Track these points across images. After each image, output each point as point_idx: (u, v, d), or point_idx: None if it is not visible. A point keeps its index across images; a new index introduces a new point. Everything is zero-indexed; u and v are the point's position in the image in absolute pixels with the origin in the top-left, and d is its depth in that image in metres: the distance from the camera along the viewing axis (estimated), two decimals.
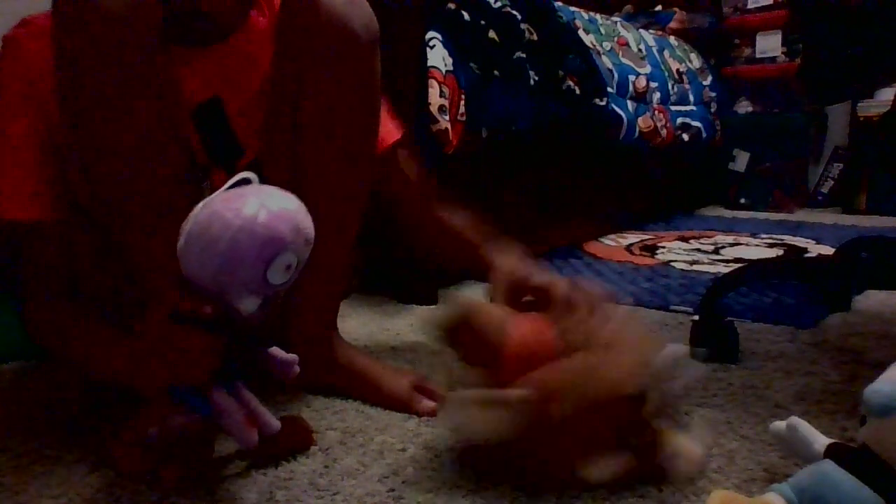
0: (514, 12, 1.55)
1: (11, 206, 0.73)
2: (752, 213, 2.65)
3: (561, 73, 1.70)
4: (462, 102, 1.36)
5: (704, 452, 0.64)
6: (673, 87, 2.34)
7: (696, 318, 0.99)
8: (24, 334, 0.78)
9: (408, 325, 1.17)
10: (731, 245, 1.91)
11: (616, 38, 2.17)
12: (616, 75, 2.00)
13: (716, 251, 1.82)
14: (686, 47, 2.65)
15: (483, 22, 1.46)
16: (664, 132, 2.20)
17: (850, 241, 1.20)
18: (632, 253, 1.83)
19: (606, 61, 1.98)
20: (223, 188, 0.58)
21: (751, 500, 0.54)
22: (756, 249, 1.84)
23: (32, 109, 0.72)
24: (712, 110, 2.61)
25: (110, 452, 0.65)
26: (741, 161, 2.78)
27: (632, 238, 2.04)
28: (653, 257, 1.76)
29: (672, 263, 1.67)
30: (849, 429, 0.71)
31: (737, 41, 2.80)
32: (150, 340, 0.61)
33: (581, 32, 1.96)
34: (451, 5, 1.40)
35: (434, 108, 1.28)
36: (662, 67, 2.33)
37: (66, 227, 0.75)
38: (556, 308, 0.69)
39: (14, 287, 0.80)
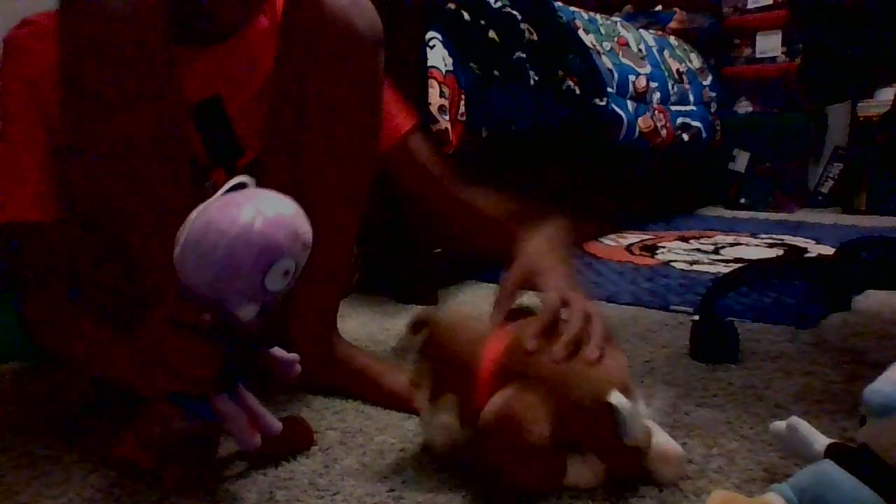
0: (514, 12, 1.55)
1: (13, 208, 0.73)
2: (752, 213, 2.65)
3: (561, 73, 1.70)
4: (462, 102, 1.36)
5: (682, 451, 0.63)
6: (673, 87, 2.34)
7: (696, 318, 0.99)
8: (24, 334, 0.78)
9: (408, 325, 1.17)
10: (731, 245, 1.91)
11: (616, 38, 2.17)
12: (616, 75, 2.00)
13: (716, 251, 1.82)
14: (686, 47, 2.65)
15: (483, 22, 1.46)
16: (664, 132, 2.20)
17: (850, 241, 1.21)
18: (632, 253, 1.83)
19: (606, 61, 1.98)
20: (218, 193, 0.58)
21: (751, 500, 0.54)
22: (756, 249, 1.84)
23: (34, 110, 0.72)
24: (712, 110, 2.61)
25: (112, 453, 0.65)
26: (741, 161, 2.78)
27: (632, 238, 2.04)
28: (653, 257, 1.76)
29: (672, 263, 1.67)
30: (849, 429, 0.71)
31: (737, 41, 2.80)
32: (149, 347, 0.61)
33: (581, 32, 1.96)
34: (451, 5, 1.40)
35: (434, 108, 1.29)
36: (662, 67, 2.33)
37: (66, 228, 0.75)
38: (533, 323, 0.66)
39: (14, 287, 0.79)
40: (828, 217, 2.46)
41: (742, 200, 2.77)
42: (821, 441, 0.56)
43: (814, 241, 1.91)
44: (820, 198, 2.79)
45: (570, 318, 0.66)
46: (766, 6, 2.71)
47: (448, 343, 0.65)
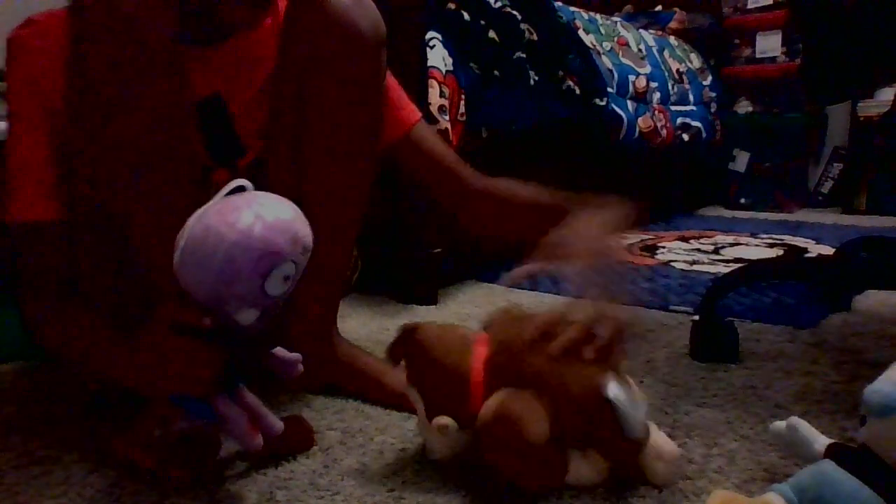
0: (514, 12, 1.55)
1: (17, 208, 0.73)
2: (752, 213, 2.65)
3: (561, 73, 1.70)
4: (462, 102, 1.36)
5: (678, 450, 0.63)
6: (673, 87, 2.34)
7: (696, 318, 0.99)
8: (24, 334, 0.78)
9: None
10: (731, 245, 1.91)
11: (616, 38, 2.17)
12: (616, 75, 2.00)
13: (716, 251, 1.82)
14: (686, 47, 2.65)
15: (483, 22, 1.46)
16: (664, 132, 2.20)
17: (850, 241, 1.21)
18: (632, 253, 1.83)
19: (606, 61, 1.98)
20: (217, 197, 0.57)
21: (751, 500, 0.54)
22: (756, 249, 1.84)
23: (38, 109, 0.72)
24: (712, 110, 2.61)
25: (112, 453, 0.65)
26: (741, 161, 2.78)
27: (632, 238, 2.04)
28: (653, 257, 1.76)
29: (672, 263, 1.67)
30: (849, 429, 0.71)
31: (737, 41, 2.80)
32: (150, 349, 0.61)
33: (581, 32, 1.96)
34: (451, 5, 1.39)
35: (434, 108, 1.28)
36: (662, 67, 2.33)
37: (68, 228, 0.75)
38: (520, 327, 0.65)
39: (14, 287, 0.79)
40: (828, 217, 2.46)
41: (742, 200, 2.77)
42: (821, 441, 0.56)
43: (814, 241, 1.91)
44: (820, 198, 2.79)
45: (578, 318, 0.63)
46: (766, 6, 2.71)
47: (435, 355, 0.65)
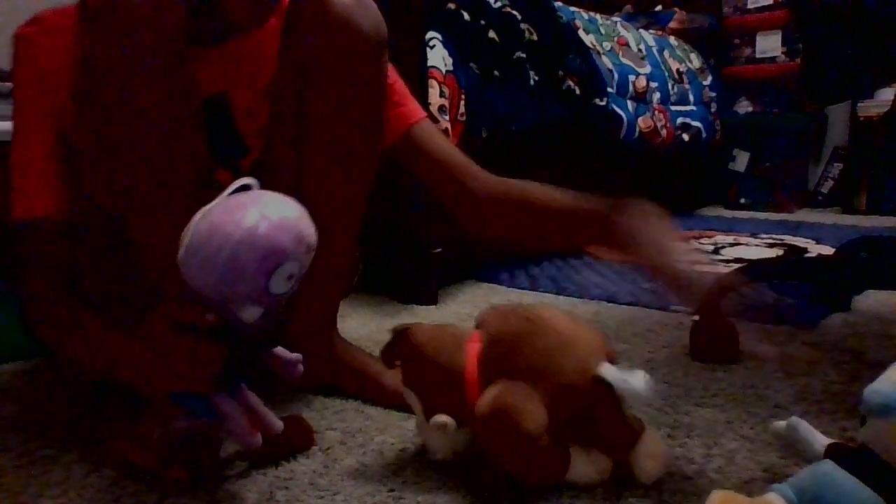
0: (514, 12, 1.56)
1: (23, 205, 0.74)
2: (752, 213, 2.65)
3: (561, 73, 1.70)
4: (462, 102, 1.36)
5: (668, 449, 0.63)
6: (673, 87, 2.34)
7: (696, 318, 0.99)
8: (24, 334, 0.78)
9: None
10: (731, 245, 1.91)
11: (616, 38, 2.17)
12: (616, 75, 2.00)
13: (716, 251, 1.82)
14: (686, 47, 2.65)
15: (483, 22, 1.46)
16: (664, 132, 2.20)
17: (850, 241, 1.21)
18: None
19: (606, 61, 1.98)
20: (223, 195, 0.58)
21: (751, 500, 0.54)
22: (756, 249, 1.84)
23: (43, 107, 0.72)
24: (712, 110, 2.62)
25: (112, 453, 0.65)
26: (741, 161, 2.78)
27: None
28: None
29: None
30: (849, 429, 0.71)
31: (737, 41, 2.80)
32: (151, 346, 0.61)
33: (581, 32, 1.96)
34: (451, 5, 1.40)
35: (434, 108, 1.29)
36: (662, 67, 2.33)
37: (70, 225, 0.75)
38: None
39: (14, 286, 0.79)
40: (828, 217, 2.46)
41: (742, 200, 2.77)
42: (821, 441, 0.56)
43: (814, 241, 1.91)
44: (820, 198, 2.79)
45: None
46: (766, 6, 2.71)
47: (429, 354, 0.66)
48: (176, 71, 0.70)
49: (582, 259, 1.75)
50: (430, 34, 1.33)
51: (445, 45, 1.34)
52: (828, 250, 1.77)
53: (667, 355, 0.98)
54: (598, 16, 2.22)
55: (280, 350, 0.65)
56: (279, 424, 0.64)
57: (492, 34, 1.47)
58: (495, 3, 1.52)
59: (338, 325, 0.89)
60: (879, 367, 0.53)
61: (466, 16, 1.41)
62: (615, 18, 2.47)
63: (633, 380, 0.58)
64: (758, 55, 2.74)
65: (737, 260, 1.70)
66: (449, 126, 1.31)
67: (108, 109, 0.68)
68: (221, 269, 0.54)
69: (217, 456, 0.67)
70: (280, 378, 0.65)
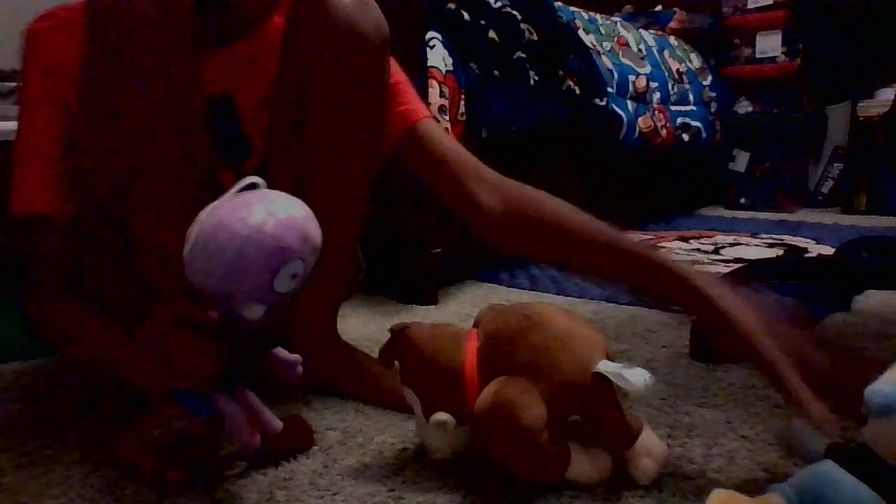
0: (514, 12, 1.56)
1: (26, 201, 0.74)
2: (752, 213, 2.65)
3: (561, 73, 1.70)
4: (462, 102, 1.36)
5: (665, 447, 0.63)
6: (673, 87, 2.34)
7: (697, 318, 0.99)
8: (24, 334, 0.78)
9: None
10: (731, 245, 1.91)
11: (616, 38, 2.17)
12: (616, 75, 2.00)
13: (716, 251, 1.82)
14: (686, 47, 2.65)
15: (483, 22, 1.46)
16: (664, 132, 2.20)
17: (850, 241, 1.21)
18: None
19: (606, 61, 1.98)
20: (230, 193, 0.58)
21: (751, 500, 0.54)
22: (756, 249, 1.84)
23: (50, 103, 0.72)
24: (712, 110, 2.62)
25: (115, 452, 0.65)
26: (741, 161, 2.78)
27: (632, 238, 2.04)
28: None
29: None
30: (849, 429, 0.71)
31: (737, 41, 2.80)
32: (153, 344, 0.61)
33: (581, 32, 1.96)
34: (451, 5, 1.40)
35: (434, 108, 1.29)
36: (662, 67, 2.33)
37: (72, 222, 0.75)
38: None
39: (14, 286, 0.79)
40: (828, 217, 2.46)
41: (742, 200, 2.77)
42: (820, 441, 0.56)
43: (814, 241, 1.91)
44: (820, 198, 2.79)
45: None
46: (766, 6, 2.71)
47: (427, 353, 0.66)
48: (181, 70, 0.70)
49: None
50: (430, 34, 1.33)
51: (445, 45, 1.34)
52: (828, 250, 1.77)
53: (667, 355, 0.98)
54: (598, 16, 2.22)
55: (279, 351, 0.65)
56: (279, 424, 0.64)
57: (492, 34, 1.47)
58: (495, 3, 1.52)
59: (338, 326, 0.89)
60: (879, 368, 0.53)
61: (466, 16, 1.41)
62: (615, 18, 2.47)
63: (632, 376, 0.58)
64: (758, 55, 2.74)
65: (737, 260, 1.70)
66: (449, 126, 1.31)
67: (113, 107, 0.68)
68: (227, 266, 0.54)
69: (217, 456, 0.67)
70: (279, 379, 0.65)
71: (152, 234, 0.73)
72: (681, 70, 2.45)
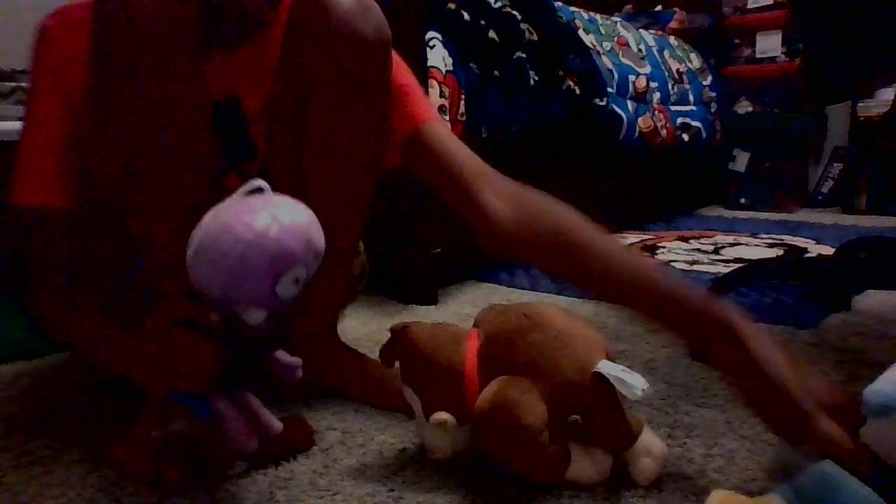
0: (514, 12, 1.55)
1: (29, 193, 0.74)
2: (752, 213, 2.65)
3: (561, 73, 1.70)
4: (462, 102, 1.36)
5: (665, 447, 0.63)
6: (673, 87, 2.34)
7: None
8: (24, 334, 0.78)
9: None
10: (731, 245, 1.91)
11: (616, 38, 2.17)
12: (616, 75, 2.00)
13: (716, 251, 1.82)
14: (686, 47, 2.65)
15: (483, 22, 1.46)
16: (664, 132, 2.20)
17: (850, 241, 1.20)
18: None
19: (606, 61, 1.98)
20: (234, 196, 0.58)
21: (751, 500, 0.54)
22: (756, 249, 1.84)
23: (57, 100, 0.72)
24: (712, 110, 2.62)
25: (113, 454, 0.65)
26: (741, 161, 2.78)
27: (632, 238, 2.04)
28: (653, 257, 1.76)
29: (672, 263, 1.67)
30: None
31: (737, 41, 2.80)
32: (153, 343, 0.61)
33: (581, 32, 1.96)
34: (451, 5, 1.40)
35: (434, 108, 1.29)
36: (662, 67, 2.33)
37: (73, 217, 0.75)
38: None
39: (14, 286, 0.79)
40: (828, 217, 2.46)
41: (742, 200, 2.77)
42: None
43: (814, 241, 1.91)
44: (820, 198, 2.79)
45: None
46: (766, 6, 2.71)
47: (428, 353, 0.66)
48: (187, 69, 0.70)
49: None
50: (430, 34, 1.33)
51: (445, 45, 1.34)
52: (828, 250, 1.77)
53: (667, 355, 0.98)
54: (598, 16, 2.22)
55: (280, 354, 0.65)
56: (278, 425, 0.64)
57: (492, 34, 1.47)
58: (495, 3, 1.52)
59: (338, 325, 0.89)
60: (879, 367, 0.53)
61: (466, 16, 1.41)
62: (615, 18, 2.47)
63: (630, 381, 0.58)
64: (758, 55, 2.74)
65: (737, 260, 1.70)
66: (449, 126, 1.31)
67: (117, 107, 0.68)
68: (229, 270, 0.54)
69: (216, 457, 0.67)
70: (279, 381, 0.65)
71: (155, 234, 0.73)
72: (681, 70, 2.45)
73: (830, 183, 2.78)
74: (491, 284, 1.50)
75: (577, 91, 1.74)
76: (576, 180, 1.88)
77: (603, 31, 2.13)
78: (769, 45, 2.70)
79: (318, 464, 0.68)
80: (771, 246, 1.87)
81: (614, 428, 0.61)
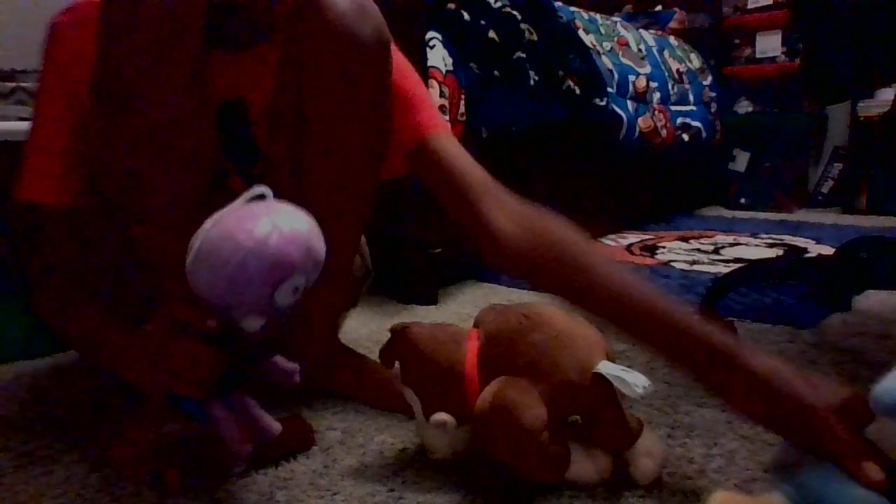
0: (514, 12, 1.56)
1: (32, 189, 0.74)
2: (752, 213, 2.65)
3: (561, 73, 1.70)
4: (462, 102, 1.36)
5: (664, 448, 0.63)
6: (673, 87, 2.34)
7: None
8: (24, 334, 0.78)
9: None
10: (731, 245, 1.91)
11: (616, 38, 2.17)
12: (616, 75, 2.00)
13: (716, 251, 1.82)
14: (686, 47, 2.65)
15: (483, 22, 1.46)
16: (664, 132, 2.20)
17: (850, 241, 1.20)
18: (632, 253, 1.83)
19: (606, 61, 1.98)
20: (237, 202, 0.57)
21: (751, 500, 0.53)
22: (756, 249, 1.84)
23: (65, 97, 0.72)
24: (712, 110, 2.62)
25: (112, 455, 0.65)
26: (741, 161, 2.78)
27: (632, 238, 2.04)
28: (653, 257, 1.76)
29: (672, 263, 1.67)
30: None
31: (737, 41, 2.80)
32: (152, 346, 0.61)
33: (581, 32, 1.96)
34: (451, 5, 1.40)
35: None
36: (662, 67, 2.33)
37: (76, 216, 0.75)
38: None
39: (14, 286, 0.79)
40: (828, 217, 2.46)
41: (742, 200, 2.77)
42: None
43: (814, 241, 1.91)
44: (820, 198, 2.79)
45: None
46: (766, 6, 2.71)
47: (428, 353, 0.66)
48: (192, 69, 0.70)
49: None
50: (430, 34, 1.33)
51: (445, 45, 1.34)
52: (828, 250, 1.77)
53: None
54: (598, 16, 2.22)
55: (278, 359, 0.64)
56: (277, 427, 0.64)
57: (492, 34, 1.47)
58: (495, 3, 1.52)
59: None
60: (879, 367, 0.53)
61: (466, 16, 1.41)
62: (615, 18, 2.47)
63: (631, 380, 0.58)
64: (758, 55, 2.74)
65: (737, 260, 1.70)
66: (449, 126, 1.31)
67: (122, 107, 0.68)
68: (229, 277, 0.54)
69: (214, 460, 0.67)
70: (277, 386, 0.65)
71: (156, 236, 0.72)
72: (681, 70, 2.45)
73: (830, 183, 2.78)
74: (491, 284, 1.50)
75: (577, 91, 1.74)
76: (576, 180, 1.89)
77: (603, 31, 2.13)
78: (769, 45, 2.70)
79: (318, 464, 0.68)
80: (771, 246, 1.87)
81: (614, 428, 0.61)
